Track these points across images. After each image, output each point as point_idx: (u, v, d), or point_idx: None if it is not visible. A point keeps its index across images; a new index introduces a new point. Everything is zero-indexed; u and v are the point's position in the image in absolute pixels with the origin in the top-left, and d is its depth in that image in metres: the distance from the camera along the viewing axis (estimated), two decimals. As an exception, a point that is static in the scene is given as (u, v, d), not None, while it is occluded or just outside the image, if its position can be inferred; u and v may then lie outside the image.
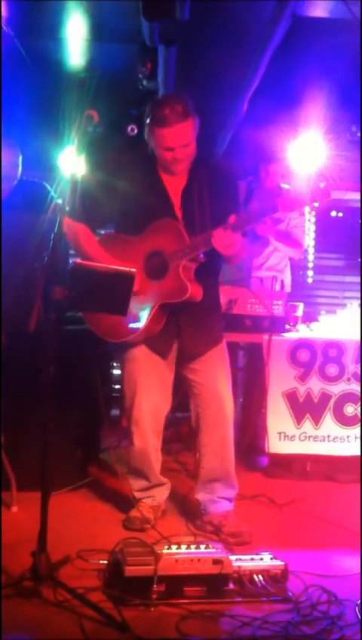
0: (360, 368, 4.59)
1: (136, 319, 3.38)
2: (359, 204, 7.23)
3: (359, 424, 4.59)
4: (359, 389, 4.60)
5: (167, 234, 3.37)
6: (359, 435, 4.58)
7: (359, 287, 7.48)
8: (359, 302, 5.01)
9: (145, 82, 5.15)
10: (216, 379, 3.53)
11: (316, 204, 3.20)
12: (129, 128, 5.04)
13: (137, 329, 3.40)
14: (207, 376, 3.52)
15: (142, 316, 3.39)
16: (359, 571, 3.11)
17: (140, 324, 3.39)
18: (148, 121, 3.38)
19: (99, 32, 5.16)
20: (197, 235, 3.33)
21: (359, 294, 7.24)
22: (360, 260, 7.00)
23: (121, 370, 3.64)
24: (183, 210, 3.45)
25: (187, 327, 3.50)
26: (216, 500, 3.55)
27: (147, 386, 3.54)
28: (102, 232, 3.66)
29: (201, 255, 3.34)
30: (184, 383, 3.62)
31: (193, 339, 3.50)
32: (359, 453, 4.55)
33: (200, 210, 3.40)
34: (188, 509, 3.75)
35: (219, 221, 3.30)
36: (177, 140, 3.32)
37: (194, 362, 3.54)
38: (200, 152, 3.50)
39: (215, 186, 3.46)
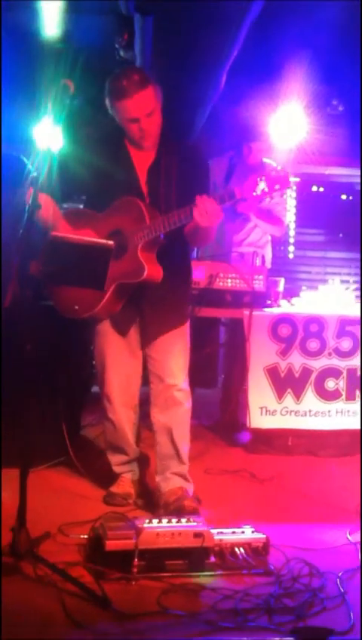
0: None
1: (92, 298, 3.32)
2: (341, 179, 7.22)
3: (341, 398, 4.60)
4: (340, 364, 4.60)
5: (128, 213, 3.31)
6: (340, 409, 4.59)
7: (340, 263, 7.52)
8: (342, 277, 5.02)
9: (122, 53, 5.09)
10: (170, 357, 3.48)
11: (277, 187, 3.15)
12: (106, 100, 4.96)
13: (91, 308, 3.34)
14: (162, 352, 3.48)
15: (97, 296, 3.31)
16: (340, 544, 3.13)
17: (95, 304, 3.33)
18: (108, 97, 3.32)
19: (75, 3, 5.08)
20: (162, 215, 3.25)
21: (340, 270, 7.29)
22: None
23: (92, 346, 3.61)
24: (149, 186, 3.40)
25: (149, 307, 3.46)
26: (168, 477, 3.51)
27: (116, 361, 3.52)
28: (65, 206, 3.58)
29: (161, 236, 3.27)
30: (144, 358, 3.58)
31: (154, 319, 3.47)
32: (340, 428, 4.57)
33: (166, 188, 3.35)
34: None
35: (185, 199, 3.23)
36: (140, 110, 3.26)
37: (153, 339, 3.50)
38: (173, 126, 3.45)
39: (183, 164, 3.40)
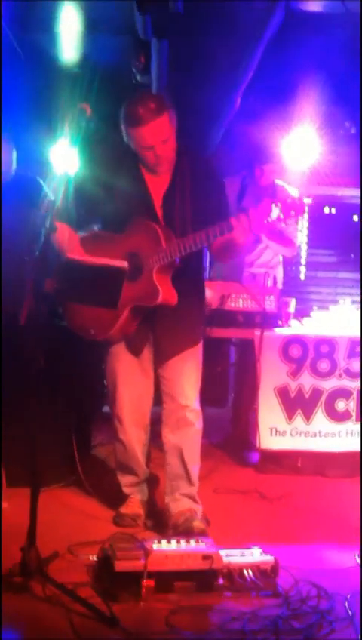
0: (360, 364, 4.58)
1: (107, 320, 3.35)
2: (352, 200, 7.24)
3: (351, 419, 4.60)
4: (351, 385, 4.60)
5: (144, 235, 3.32)
6: (350, 430, 4.59)
7: (351, 284, 7.52)
8: (353, 298, 5.02)
9: (138, 77, 5.13)
10: (183, 378, 3.49)
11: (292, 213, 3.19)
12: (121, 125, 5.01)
13: (106, 330, 3.38)
14: (175, 373, 3.49)
15: (112, 318, 3.35)
16: (349, 565, 3.13)
17: (110, 326, 3.36)
18: (123, 123, 3.33)
19: (92, 26, 5.14)
20: (181, 238, 3.27)
21: (352, 290, 7.28)
22: (358, 256, 7.00)
23: (104, 366, 3.64)
24: (164, 210, 3.41)
25: (162, 328, 3.46)
26: (177, 498, 3.51)
27: (128, 381, 3.53)
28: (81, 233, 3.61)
29: (177, 260, 3.28)
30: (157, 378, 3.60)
31: (168, 339, 3.48)
32: (350, 449, 4.56)
33: (182, 211, 3.36)
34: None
35: (200, 222, 3.26)
36: (155, 137, 3.26)
37: (166, 359, 3.51)
38: (187, 146, 3.45)
39: (198, 187, 3.40)
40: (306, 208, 3.24)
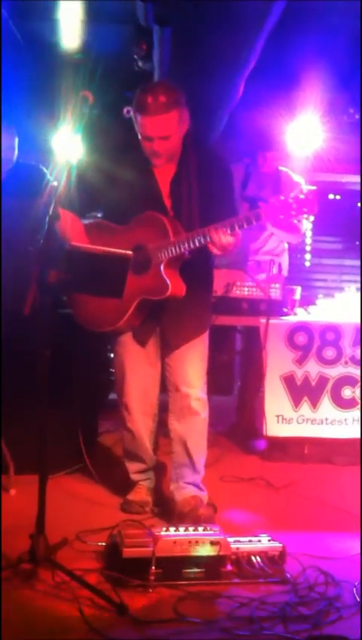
0: (360, 351, 4.58)
1: (115, 312, 3.34)
2: (356, 187, 7.21)
3: (357, 407, 4.59)
4: (357, 372, 4.60)
5: (151, 228, 3.30)
6: (357, 417, 4.59)
7: (357, 271, 7.50)
8: (358, 285, 5.00)
9: (140, 63, 5.12)
10: (188, 366, 3.49)
11: (305, 216, 3.17)
12: (125, 110, 5.01)
13: (114, 322, 3.37)
14: (181, 362, 3.49)
15: (120, 310, 3.34)
16: (356, 553, 3.13)
17: (118, 319, 3.36)
18: (133, 106, 3.30)
19: (94, 14, 5.12)
20: (184, 233, 3.25)
21: (357, 277, 7.26)
22: (359, 243, 6.99)
23: (112, 354, 3.63)
24: (172, 199, 3.38)
25: (170, 317, 3.45)
26: (182, 486, 3.52)
27: (135, 370, 3.53)
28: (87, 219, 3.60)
29: (186, 252, 3.27)
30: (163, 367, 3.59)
31: (174, 329, 3.47)
32: (357, 436, 4.56)
33: (189, 200, 3.34)
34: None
35: (208, 212, 3.24)
36: (156, 131, 3.23)
37: (173, 348, 3.50)
38: (193, 136, 3.40)
39: (205, 176, 3.37)
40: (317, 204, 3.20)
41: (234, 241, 3.21)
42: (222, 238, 3.16)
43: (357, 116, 6.29)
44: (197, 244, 3.22)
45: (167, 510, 3.57)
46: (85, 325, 3.48)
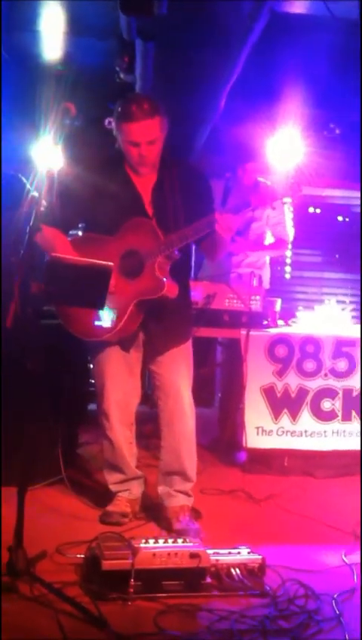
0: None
1: (111, 319, 3.36)
2: (336, 201, 7.28)
3: (336, 419, 4.61)
4: (336, 384, 4.62)
5: (141, 233, 3.36)
6: (336, 430, 4.60)
7: (337, 284, 7.56)
8: (338, 298, 5.05)
9: (122, 75, 5.14)
10: (176, 373, 3.52)
11: (288, 200, 3.27)
12: (106, 122, 5.03)
13: (112, 328, 3.38)
14: (169, 369, 3.52)
15: (117, 316, 3.36)
16: (336, 565, 3.14)
17: (115, 324, 3.37)
18: (115, 117, 3.39)
19: (76, 26, 5.14)
20: (177, 230, 3.32)
21: (337, 290, 7.32)
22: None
23: (92, 363, 3.64)
24: (154, 206, 3.44)
25: (154, 323, 3.48)
26: (172, 494, 3.55)
27: (115, 379, 3.54)
28: (72, 233, 3.61)
29: (176, 252, 3.33)
30: (149, 375, 3.62)
31: (159, 335, 3.50)
32: (336, 449, 4.58)
33: (173, 206, 3.40)
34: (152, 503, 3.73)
35: (193, 215, 3.31)
36: (143, 135, 3.31)
37: (159, 355, 3.53)
38: (174, 148, 3.49)
39: (186, 184, 3.45)
40: (290, 203, 3.34)
41: (235, 222, 3.35)
42: (227, 219, 3.29)
43: (338, 131, 6.35)
44: (187, 240, 3.32)
45: (150, 517, 3.59)
46: (79, 335, 3.46)
